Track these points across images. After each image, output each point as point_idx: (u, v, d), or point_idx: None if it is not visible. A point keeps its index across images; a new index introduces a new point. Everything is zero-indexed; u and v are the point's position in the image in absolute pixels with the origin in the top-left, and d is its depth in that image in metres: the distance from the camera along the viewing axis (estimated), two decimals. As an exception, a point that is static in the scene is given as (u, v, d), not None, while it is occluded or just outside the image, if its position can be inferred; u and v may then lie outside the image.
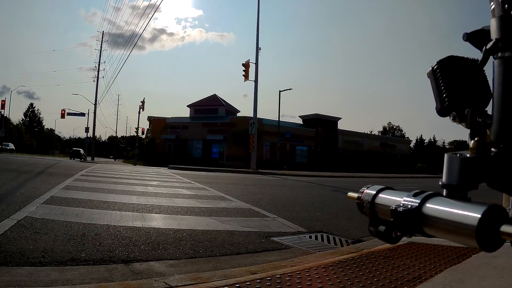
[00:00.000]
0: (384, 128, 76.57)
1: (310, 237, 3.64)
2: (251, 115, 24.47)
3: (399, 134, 72.46)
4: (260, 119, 31.53)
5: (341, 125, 44.54)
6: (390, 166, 43.77)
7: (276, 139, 33.06)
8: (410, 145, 61.57)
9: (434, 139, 76.22)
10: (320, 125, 40.33)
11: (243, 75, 23.08)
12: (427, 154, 63.93)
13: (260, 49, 23.98)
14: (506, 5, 0.59)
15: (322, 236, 3.71)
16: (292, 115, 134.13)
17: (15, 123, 66.15)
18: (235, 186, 9.41)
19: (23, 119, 76.44)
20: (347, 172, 29.55)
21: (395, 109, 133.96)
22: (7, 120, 48.60)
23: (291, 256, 2.73)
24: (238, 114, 43.59)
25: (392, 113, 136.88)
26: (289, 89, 33.78)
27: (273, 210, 5.24)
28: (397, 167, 44.26)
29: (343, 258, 2.42)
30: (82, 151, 42.42)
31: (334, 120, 43.26)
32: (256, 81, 23.59)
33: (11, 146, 43.30)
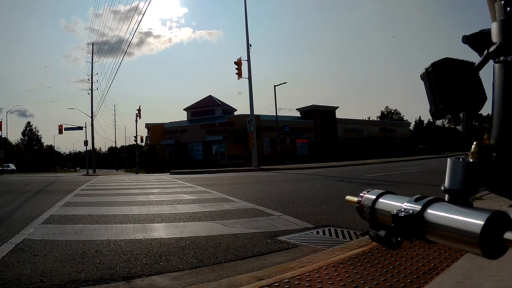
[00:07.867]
0: (382, 113, 76.09)
1: (318, 232, 3.54)
2: (248, 112, 24.31)
3: (397, 118, 71.92)
4: (258, 116, 31.39)
5: (339, 114, 44.39)
6: (392, 150, 43.69)
7: (276, 134, 32.93)
8: (410, 128, 61.32)
9: (433, 120, 75.78)
10: (318, 116, 40.17)
11: (236, 73, 22.88)
12: (428, 135, 63.69)
13: (251, 45, 23.75)
14: (508, 8, 0.58)
15: (329, 230, 3.61)
16: (289, 108, 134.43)
17: (14, 143, 66.16)
18: (237, 186, 9.31)
19: (21, 138, 76.29)
20: (349, 160, 29.44)
21: (391, 93, 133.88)
22: (6, 141, 48.51)
23: (299, 256, 2.63)
24: (235, 113, 43.44)
25: (389, 97, 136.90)
26: (284, 83, 33.70)
27: (278, 207, 5.14)
28: (399, 150, 44.15)
29: (353, 253, 2.32)
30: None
31: (331, 110, 43.09)
32: (249, 78, 23.38)
33: (12, 166, 43.41)
